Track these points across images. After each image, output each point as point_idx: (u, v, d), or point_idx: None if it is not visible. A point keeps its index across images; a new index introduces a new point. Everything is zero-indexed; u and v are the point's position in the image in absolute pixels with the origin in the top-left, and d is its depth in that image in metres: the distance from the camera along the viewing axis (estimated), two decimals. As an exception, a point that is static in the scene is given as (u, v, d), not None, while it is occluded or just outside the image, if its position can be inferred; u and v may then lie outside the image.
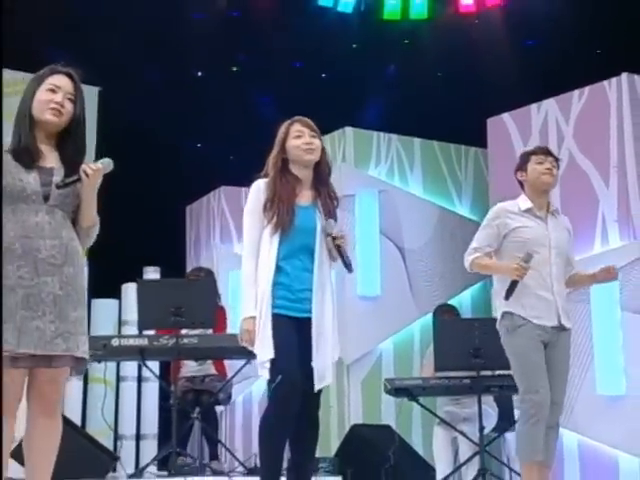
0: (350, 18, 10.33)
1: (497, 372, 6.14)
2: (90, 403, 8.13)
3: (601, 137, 6.96)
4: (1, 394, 3.30)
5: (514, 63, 9.71)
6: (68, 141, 3.61)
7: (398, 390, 6.35)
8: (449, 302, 8.14)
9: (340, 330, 4.26)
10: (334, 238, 4.18)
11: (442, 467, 6.45)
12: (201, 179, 9.59)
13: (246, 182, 9.20)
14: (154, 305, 6.45)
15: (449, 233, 8.38)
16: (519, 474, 6.32)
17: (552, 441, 4.72)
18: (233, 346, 6.52)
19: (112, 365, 7.78)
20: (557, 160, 5.06)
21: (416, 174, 8.44)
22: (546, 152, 5.07)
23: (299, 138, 4.27)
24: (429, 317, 8.13)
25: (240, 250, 9.07)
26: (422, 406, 6.49)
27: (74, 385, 7.79)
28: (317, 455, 4.91)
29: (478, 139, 8.37)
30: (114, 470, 6.73)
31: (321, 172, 4.34)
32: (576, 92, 7.23)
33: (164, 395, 8.25)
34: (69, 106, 3.59)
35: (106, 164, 3.60)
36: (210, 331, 6.84)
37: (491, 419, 6.51)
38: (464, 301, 8.20)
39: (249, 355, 6.32)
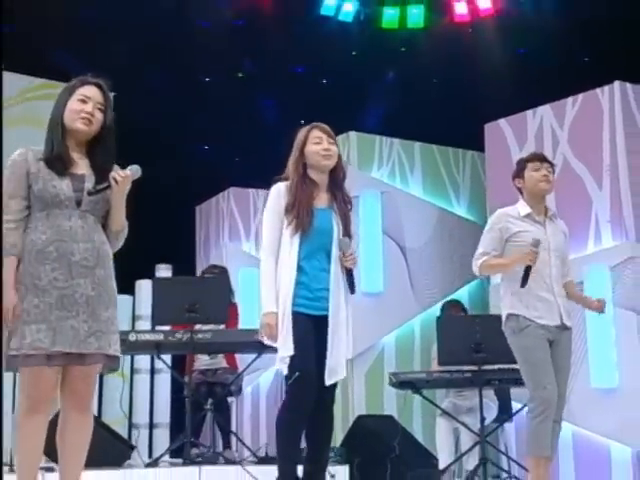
0: (350, 27, 10.31)
1: (497, 366, 6.15)
2: (106, 395, 8.10)
3: (594, 142, 6.98)
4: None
5: (506, 70, 9.69)
6: (98, 149, 3.59)
7: (402, 383, 6.37)
8: (447, 299, 8.16)
9: (346, 325, 4.25)
10: (344, 256, 4.18)
11: (444, 456, 6.45)
12: (209, 181, 9.57)
13: (253, 184, 9.31)
14: (169, 302, 6.44)
15: (447, 233, 8.39)
16: (516, 462, 6.39)
17: (555, 435, 4.71)
18: (244, 341, 6.58)
19: (127, 358, 7.75)
20: (552, 166, 5.05)
21: (416, 176, 8.44)
22: (541, 159, 5.05)
23: (318, 144, 4.27)
24: (429, 312, 8.16)
25: (248, 248, 9.21)
26: (425, 398, 6.49)
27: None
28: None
29: (475, 143, 8.39)
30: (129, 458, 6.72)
31: (336, 177, 4.34)
32: (570, 99, 7.24)
33: (176, 386, 8.27)
34: (99, 115, 3.58)
35: (134, 171, 3.59)
36: (223, 326, 6.83)
37: (491, 411, 6.52)
38: (462, 297, 8.17)
39: (260, 349, 6.38)
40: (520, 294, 4.70)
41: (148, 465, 6.35)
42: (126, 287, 8.43)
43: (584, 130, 7.07)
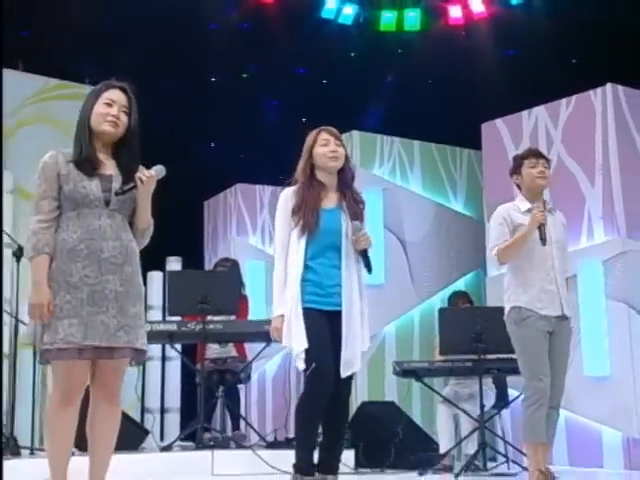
0: (350, 29, 10.29)
1: (496, 356, 6.15)
2: (120, 381, 8.09)
3: (587, 142, 6.96)
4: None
5: (499, 71, 9.67)
6: (124, 150, 3.58)
7: (405, 372, 6.38)
8: (445, 290, 8.19)
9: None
10: (357, 239, 4.17)
11: (445, 441, 6.46)
12: (218, 177, 9.54)
13: (260, 180, 9.28)
14: (183, 294, 6.45)
15: (445, 227, 8.39)
16: (513, 446, 6.40)
17: (553, 421, 4.70)
18: (254, 331, 6.60)
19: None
20: (548, 161, 5.01)
21: (416, 173, 8.43)
22: (537, 155, 4.98)
23: (325, 146, 4.28)
24: (428, 303, 8.18)
25: (255, 242, 9.20)
26: (427, 386, 6.50)
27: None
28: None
29: (471, 142, 8.39)
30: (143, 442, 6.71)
31: (344, 177, 4.34)
32: (564, 100, 7.22)
33: (185, 373, 8.27)
34: (124, 118, 3.57)
35: (159, 171, 3.59)
36: (233, 317, 6.83)
37: (489, 398, 6.53)
38: (459, 289, 8.16)
39: (268, 339, 6.38)
40: (525, 285, 4.67)
41: (163, 449, 6.36)
42: (138, 279, 8.42)
43: (577, 130, 7.06)
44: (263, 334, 6.39)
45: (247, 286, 7.83)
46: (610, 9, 8.33)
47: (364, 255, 4.19)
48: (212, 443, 6.35)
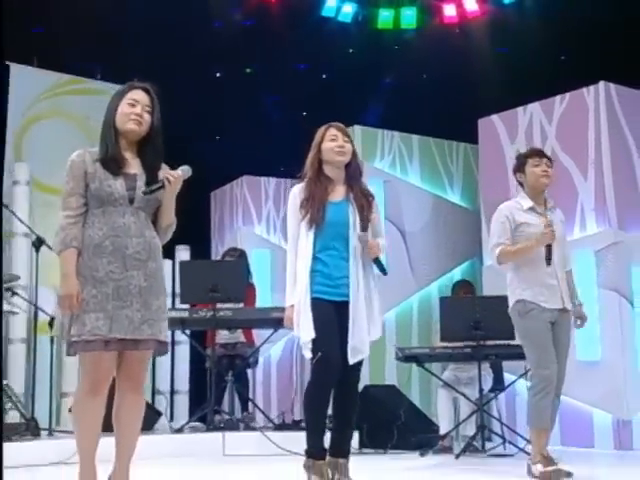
0: (349, 27, 10.25)
1: (494, 342, 6.15)
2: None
3: (580, 137, 6.94)
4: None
5: (492, 68, 9.64)
6: (148, 148, 3.54)
7: (408, 357, 6.37)
8: (443, 277, 8.19)
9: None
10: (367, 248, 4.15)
11: (445, 423, 6.46)
12: (224, 169, 9.50)
13: (265, 172, 9.25)
14: (194, 283, 6.45)
15: (442, 218, 8.38)
16: (509, 427, 6.42)
17: (555, 408, 4.73)
18: (261, 318, 6.61)
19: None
20: (551, 161, 5.00)
21: (415, 166, 8.40)
22: (541, 154, 4.98)
23: (333, 141, 4.26)
24: (426, 290, 8.18)
25: (260, 231, 9.17)
26: (428, 371, 6.50)
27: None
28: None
29: (467, 136, 8.36)
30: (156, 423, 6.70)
31: (352, 172, 4.31)
32: (558, 97, 7.19)
33: (194, 357, 8.27)
34: (147, 117, 3.53)
35: (185, 171, 3.56)
36: (241, 305, 6.82)
37: (487, 382, 6.52)
38: (455, 277, 8.18)
39: (275, 325, 6.40)
40: (528, 281, 4.67)
41: (177, 431, 6.35)
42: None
43: (571, 126, 7.03)
44: (270, 321, 6.43)
45: (253, 274, 7.81)
46: (601, 9, 8.29)
47: (377, 262, 4.18)
48: (222, 425, 6.36)
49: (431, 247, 8.26)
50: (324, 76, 10.59)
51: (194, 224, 9.27)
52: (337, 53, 10.06)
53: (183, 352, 8.46)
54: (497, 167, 7.48)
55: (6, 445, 5.29)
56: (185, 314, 6.49)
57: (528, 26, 9.43)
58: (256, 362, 7.46)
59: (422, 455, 5.95)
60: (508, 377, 6.69)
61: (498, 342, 6.12)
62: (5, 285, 6.40)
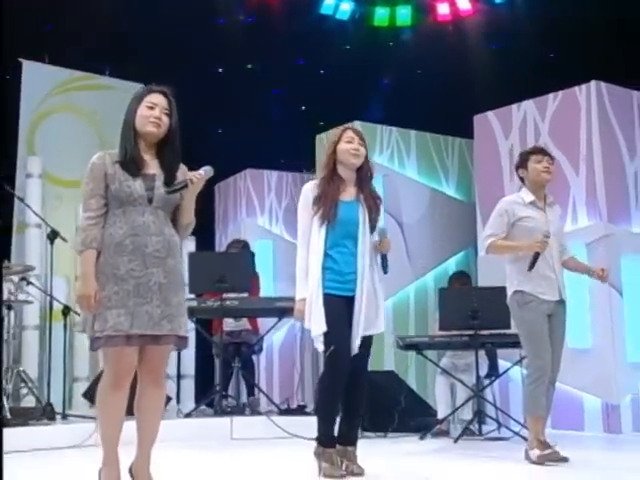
0: (346, 24, 10.21)
1: (490, 331, 6.16)
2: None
3: (572, 134, 6.93)
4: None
5: (486, 65, 9.61)
6: (166, 149, 3.53)
7: (408, 345, 6.38)
8: (438, 267, 8.18)
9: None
10: (380, 243, 4.24)
11: (442, 408, 6.47)
12: (228, 162, 9.45)
13: (268, 165, 9.21)
14: (203, 274, 6.43)
15: (438, 210, 8.36)
16: (503, 411, 6.43)
17: (550, 395, 4.75)
18: (266, 307, 6.62)
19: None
20: (552, 158, 5.00)
21: (412, 160, 8.36)
22: (543, 152, 5.00)
23: (350, 143, 4.27)
24: (422, 280, 8.17)
25: (263, 223, 9.14)
26: (427, 358, 6.51)
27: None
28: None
29: (462, 132, 8.34)
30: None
31: (363, 174, 4.33)
32: (551, 95, 7.17)
33: (200, 344, 8.25)
34: (165, 119, 3.52)
35: (208, 171, 3.56)
36: (247, 294, 6.81)
37: (483, 368, 6.53)
38: (450, 268, 8.19)
39: (279, 314, 6.41)
40: (526, 273, 4.67)
41: (187, 415, 6.34)
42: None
43: (563, 123, 7.02)
44: (275, 310, 6.46)
45: (257, 263, 7.80)
46: (593, 8, 8.26)
47: (384, 258, 4.23)
48: (230, 410, 6.36)
49: (427, 238, 8.24)
50: (322, 72, 10.54)
51: (199, 216, 9.24)
52: (335, 50, 10.01)
53: (189, 339, 8.43)
54: (491, 162, 7.47)
55: (24, 429, 5.34)
56: (194, 304, 6.47)
57: (519, 25, 9.40)
58: (261, 349, 7.46)
59: (421, 438, 5.97)
60: (502, 364, 6.71)
61: (494, 331, 6.12)
62: (20, 275, 6.40)
